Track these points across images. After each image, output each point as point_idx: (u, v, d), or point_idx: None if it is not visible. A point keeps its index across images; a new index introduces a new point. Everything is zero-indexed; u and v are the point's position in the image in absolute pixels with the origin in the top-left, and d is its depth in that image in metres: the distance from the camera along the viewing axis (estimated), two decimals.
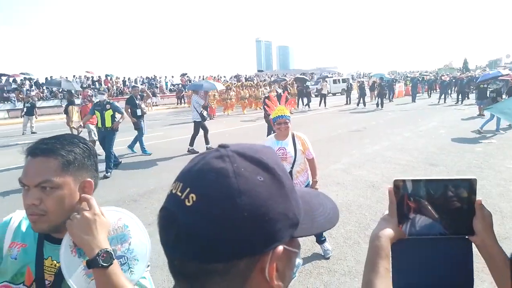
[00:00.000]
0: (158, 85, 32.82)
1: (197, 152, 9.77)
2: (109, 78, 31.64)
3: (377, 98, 19.82)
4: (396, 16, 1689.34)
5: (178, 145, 9.88)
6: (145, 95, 11.91)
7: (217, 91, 18.20)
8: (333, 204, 0.61)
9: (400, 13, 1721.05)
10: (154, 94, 27.65)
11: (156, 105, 26.97)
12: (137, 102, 9.29)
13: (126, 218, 1.11)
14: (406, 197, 0.75)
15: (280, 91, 10.69)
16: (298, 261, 0.56)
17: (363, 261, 0.77)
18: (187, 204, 0.47)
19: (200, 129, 9.33)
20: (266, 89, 18.04)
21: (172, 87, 33.56)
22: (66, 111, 12.03)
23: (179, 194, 0.48)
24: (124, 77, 32.78)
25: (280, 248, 0.48)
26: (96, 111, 7.66)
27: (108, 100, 7.84)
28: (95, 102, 8.85)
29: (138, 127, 9.29)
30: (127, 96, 11.08)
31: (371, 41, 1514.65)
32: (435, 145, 8.85)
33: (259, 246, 0.47)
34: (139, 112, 9.23)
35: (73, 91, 13.34)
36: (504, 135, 9.74)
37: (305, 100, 21.24)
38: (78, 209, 1.00)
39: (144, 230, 1.13)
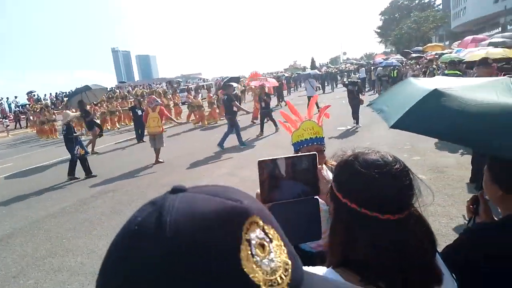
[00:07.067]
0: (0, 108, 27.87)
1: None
2: None
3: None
4: (252, 22, 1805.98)
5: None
6: None
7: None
8: None
9: (255, 18, 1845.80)
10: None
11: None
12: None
13: None
14: (269, 173, 0.95)
15: None
16: None
17: None
18: None
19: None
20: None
21: (17, 109, 28.75)
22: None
23: None
24: None
25: None
26: None
27: None
28: None
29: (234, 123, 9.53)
30: None
31: (231, 46, 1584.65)
32: None
33: None
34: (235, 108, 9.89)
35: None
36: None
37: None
38: None
39: None
